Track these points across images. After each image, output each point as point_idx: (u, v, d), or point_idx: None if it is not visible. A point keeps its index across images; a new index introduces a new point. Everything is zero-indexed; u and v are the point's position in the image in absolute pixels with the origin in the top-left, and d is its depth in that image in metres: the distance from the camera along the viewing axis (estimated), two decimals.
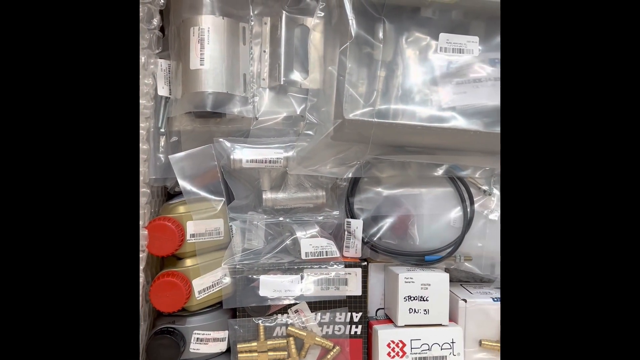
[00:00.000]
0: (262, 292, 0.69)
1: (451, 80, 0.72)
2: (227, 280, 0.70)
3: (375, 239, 0.74)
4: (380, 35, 0.70)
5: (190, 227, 0.67)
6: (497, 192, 0.74)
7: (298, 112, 0.72)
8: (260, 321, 0.70)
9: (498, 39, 0.73)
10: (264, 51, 0.72)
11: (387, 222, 0.74)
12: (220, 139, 0.71)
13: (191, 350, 0.68)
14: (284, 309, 0.70)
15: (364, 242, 0.74)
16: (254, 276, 0.69)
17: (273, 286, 0.69)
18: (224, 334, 0.70)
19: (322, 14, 0.69)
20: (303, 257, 0.70)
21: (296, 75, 0.71)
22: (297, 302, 0.70)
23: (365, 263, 0.72)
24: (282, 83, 0.71)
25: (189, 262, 0.68)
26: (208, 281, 0.68)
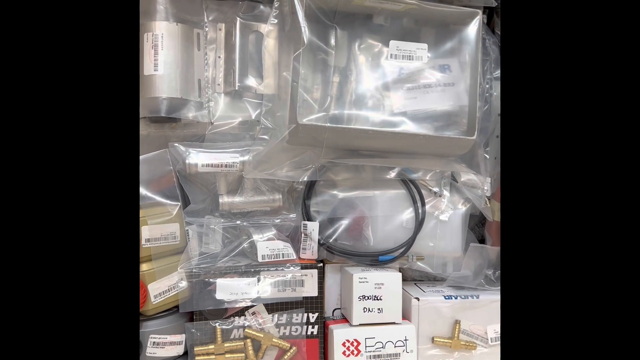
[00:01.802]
0: (219, 295, 0.70)
1: (402, 86, 0.74)
2: (184, 284, 0.70)
3: (331, 240, 0.76)
4: (333, 42, 0.72)
5: (145, 232, 0.67)
6: (447, 193, 0.77)
7: (253, 117, 0.73)
8: (217, 324, 0.70)
9: (447, 46, 0.76)
10: (219, 57, 0.72)
11: (342, 224, 0.76)
12: (176, 144, 0.71)
13: (148, 355, 0.68)
14: (241, 311, 0.71)
15: (320, 244, 0.75)
16: (211, 280, 0.70)
17: (230, 289, 0.70)
18: (181, 337, 0.70)
19: (276, 20, 0.71)
20: (260, 259, 0.71)
21: (251, 81, 0.72)
22: (254, 304, 0.71)
23: (321, 264, 0.74)
24: (237, 88, 0.72)
25: (144, 266, 0.68)
26: (164, 285, 0.69)
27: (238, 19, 0.72)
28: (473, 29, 0.73)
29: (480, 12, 0.73)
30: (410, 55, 0.72)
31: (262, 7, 0.72)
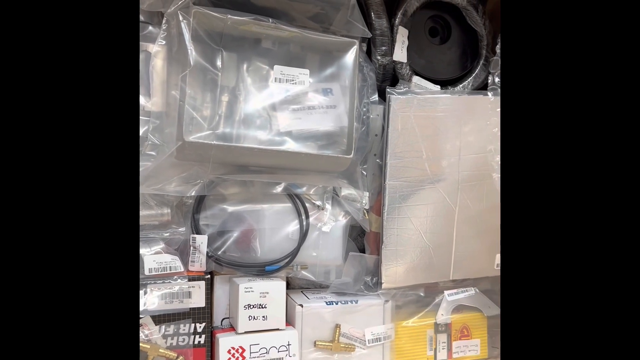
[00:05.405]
0: None
1: (288, 107, 0.80)
2: None
3: (219, 252, 0.79)
4: (219, 63, 0.76)
5: None
6: (329, 206, 0.83)
7: (141, 134, 0.74)
8: None
9: (329, 71, 0.82)
10: None
11: (231, 237, 0.80)
12: None
13: None
14: None
15: (208, 256, 0.78)
16: None
17: None
18: None
19: (164, 42, 0.73)
20: (146, 273, 0.73)
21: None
22: (141, 316, 0.72)
23: (209, 276, 0.77)
24: None
25: None
26: None
27: None
28: (351, 57, 0.80)
29: (357, 42, 0.80)
30: (293, 80, 0.78)
31: (151, 27, 0.75)
